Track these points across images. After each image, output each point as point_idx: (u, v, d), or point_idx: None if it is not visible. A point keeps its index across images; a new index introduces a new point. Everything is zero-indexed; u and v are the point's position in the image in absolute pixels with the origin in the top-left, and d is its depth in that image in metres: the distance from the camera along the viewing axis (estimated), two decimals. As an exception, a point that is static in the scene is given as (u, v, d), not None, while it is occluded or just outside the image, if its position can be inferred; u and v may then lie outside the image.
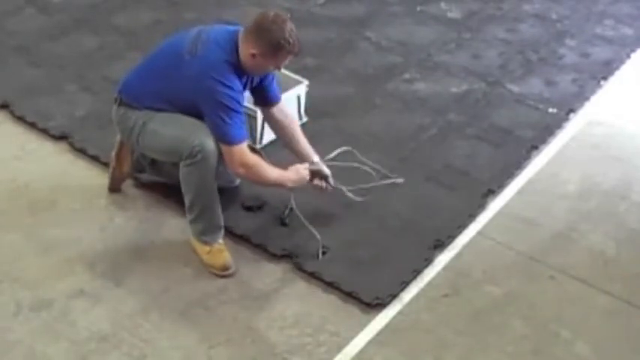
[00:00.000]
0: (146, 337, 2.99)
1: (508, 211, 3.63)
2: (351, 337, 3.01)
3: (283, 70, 3.45)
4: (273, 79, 3.39)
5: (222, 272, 3.24)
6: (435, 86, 4.45)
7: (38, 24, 4.87)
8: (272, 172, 3.22)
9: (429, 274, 3.29)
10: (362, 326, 3.05)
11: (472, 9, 5.25)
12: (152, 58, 3.32)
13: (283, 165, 3.29)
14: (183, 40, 3.19)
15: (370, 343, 3.00)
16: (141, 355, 2.92)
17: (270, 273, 3.27)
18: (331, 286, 3.20)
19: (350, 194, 3.47)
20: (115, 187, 3.62)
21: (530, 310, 3.16)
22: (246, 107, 3.47)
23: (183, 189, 3.22)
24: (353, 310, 3.12)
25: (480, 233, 3.50)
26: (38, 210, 3.54)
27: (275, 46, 3.08)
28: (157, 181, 3.61)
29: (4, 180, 3.70)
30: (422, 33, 4.96)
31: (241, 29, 3.16)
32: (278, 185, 3.28)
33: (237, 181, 3.56)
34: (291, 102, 3.95)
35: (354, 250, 3.36)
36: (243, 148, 3.13)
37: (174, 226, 3.46)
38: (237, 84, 3.12)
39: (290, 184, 3.29)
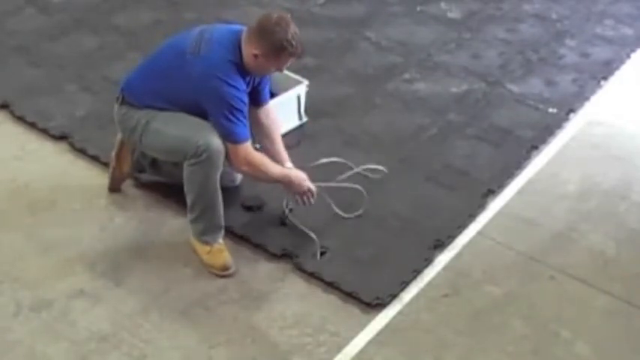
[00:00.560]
0: (146, 337, 2.99)
1: (508, 211, 3.63)
2: (351, 337, 3.01)
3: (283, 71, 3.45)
4: (268, 80, 3.40)
5: (222, 272, 3.24)
6: (435, 86, 4.45)
7: (38, 24, 4.87)
8: (275, 169, 3.24)
9: (429, 274, 3.29)
10: (362, 326, 3.05)
11: (472, 9, 5.25)
12: (154, 57, 3.32)
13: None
14: (185, 40, 3.19)
15: (370, 343, 3.00)
16: (141, 355, 2.92)
17: (270, 273, 3.27)
18: (331, 286, 3.20)
19: (338, 210, 3.47)
20: (115, 187, 3.62)
21: (530, 310, 3.16)
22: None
23: (186, 188, 3.22)
24: (353, 310, 3.12)
25: (479, 233, 3.50)
26: (38, 210, 3.54)
27: (277, 48, 3.08)
28: (157, 181, 3.61)
29: (4, 180, 3.70)
30: (422, 33, 4.96)
31: (244, 29, 3.16)
32: (280, 182, 3.28)
33: (238, 181, 3.56)
34: (291, 102, 3.96)
35: (354, 250, 3.36)
36: (248, 146, 3.15)
37: (174, 226, 3.46)
38: (241, 83, 3.12)
39: (293, 179, 3.27)
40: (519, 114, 4.25)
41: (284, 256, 3.32)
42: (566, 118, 4.24)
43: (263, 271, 3.28)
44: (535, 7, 5.32)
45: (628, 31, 5.05)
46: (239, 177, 3.55)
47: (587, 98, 4.40)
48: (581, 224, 3.58)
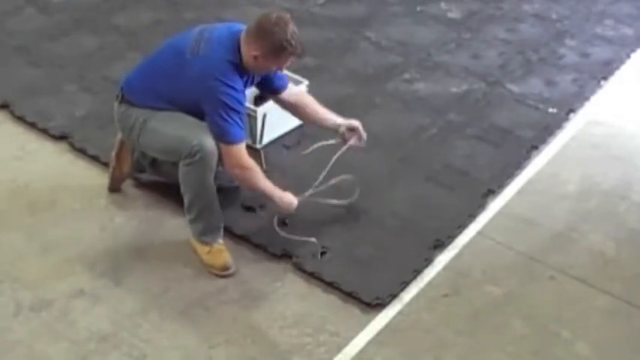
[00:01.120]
0: (146, 337, 2.99)
1: (508, 211, 3.63)
2: (351, 337, 3.01)
3: (284, 70, 3.45)
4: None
5: (222, 272, 3.24)
6: (435, 86, 4.45)
7: (38, 24, 4.87)
8: (264, 182, 3.23)
9: (429, 274, 3.29)
10: (362, 326, 3.05)
11: (472, 9, 5.25)
12: (154, 57, 3.32)
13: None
14: (185, 40, 3.19)
15: (370, 343, 3.00)
16: (141, 355, 2.92)
17: (270, 273, 3.27)
18: (331, 286, 3.20)
19: (333, 202, 3.47)
20: (115, 187, 3.62)
21: (530, 310, 3.16)
22: (246, 107, 3.46)
23: (183, 189, 3.22)
24: (353, 310, 3.12)
25: (480, 233, 3.50)
26: (38, 210, 3.54)
27: (277, 48, 3.08)
28: (157, 181, 3.61)
29: (4, 180, 3.70)
30: (422, 33, 4.96)
31: (243, 29, 3.16)
32: (266, 197, 3.29)
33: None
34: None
35: (354, 250, 3.36)
36: (241, 148, 3.13)
37: (174, 226, 3.46)
38: (239, 84, 3.12)
39: (277, 202, 3.27)
40: (519, 114, 4.25)
41: (284, 256, 3.32)
42: (566, 118, 4.24)
43: (263, 271, 3.28)
44: (535, 7, 5.32)
45: (628, 31, 5.05)
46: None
47: (587, 98, 4.40)
48: (581, 224, 3.58)
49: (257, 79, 3.32)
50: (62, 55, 4.58)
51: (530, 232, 3.53)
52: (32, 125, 4.01)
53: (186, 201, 3.24)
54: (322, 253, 3.31)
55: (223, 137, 3.10)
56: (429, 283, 3.25)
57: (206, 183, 3.18)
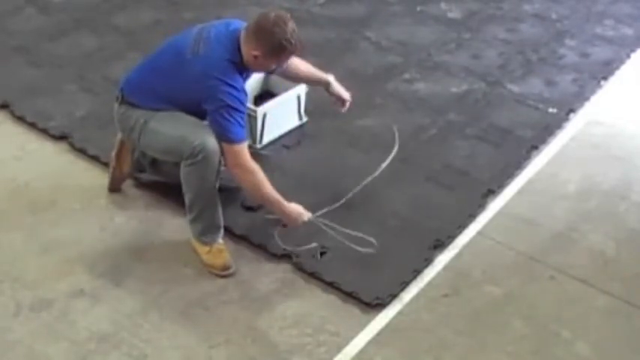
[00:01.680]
0: (146, 337, 2.99)
1: (508, 211, 3.63)
2: (351, 337, 3.00)
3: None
4: None
5: (222, 272, 3.24)
6: (434, 86, 4.45)
7: (38, 24, 4.87)
8: (267, 188, 3.14)
9: (429, 274, 3.29)
10: (362, 326, 3.05)
11: (472, 9, 5.26)
12: (154, 57, 3.32)
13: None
14: (185, 40, 3.19)
15: (370, 343, 2.99)
16: (141, 355, 2.92)
17: (270, 273, 3.27)
18: (331, 286, 3.20)
19: (349, 231, 3.34)
20: (115, 187, 3.62)
21: (530, 310, 3.16)
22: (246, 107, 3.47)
23: (184, 189, 3.22)
24: (353, 310, 3.12)
25: (480, 233, 3.50)
26: (38, 210, 3.54)
27: (277, 47, 3.08)
28: (157, 181, 3.61)
29: (4, 180, 3.70)
30: (422, 33, 4.96)
31: (242, 27, 3.16)
32: (267, 204, 3.24)
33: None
34: (292, 102, 3.96)
35: (354, 250, 3.35)
36: (243, 148, 3.13)
37: (174, 226, 3.46)
38: (240, 82, 3.12)
39: (279, 214, 3.23)
40: (519, 114, 4.25)
41: (284, 256, 3.32)
42: (566, 118, 4.24)
43: (263, 271, 3.28)
44: (535, 7, 5.32)
45: (628, 31, 5.06)
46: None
47: (587, 98, 4.40)
48: (581, 224, 3.58)
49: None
50: (62, 55, 4.58)
51: (530, 232, 3.53)
52: (32, 125, 4.02)
53: (187, 201, 3.24)
54: (322, 253, 3.31)
55: (225, 136, 3.10)
56: (429, 283, 3.25)
57: (208, 183, 3.17)
